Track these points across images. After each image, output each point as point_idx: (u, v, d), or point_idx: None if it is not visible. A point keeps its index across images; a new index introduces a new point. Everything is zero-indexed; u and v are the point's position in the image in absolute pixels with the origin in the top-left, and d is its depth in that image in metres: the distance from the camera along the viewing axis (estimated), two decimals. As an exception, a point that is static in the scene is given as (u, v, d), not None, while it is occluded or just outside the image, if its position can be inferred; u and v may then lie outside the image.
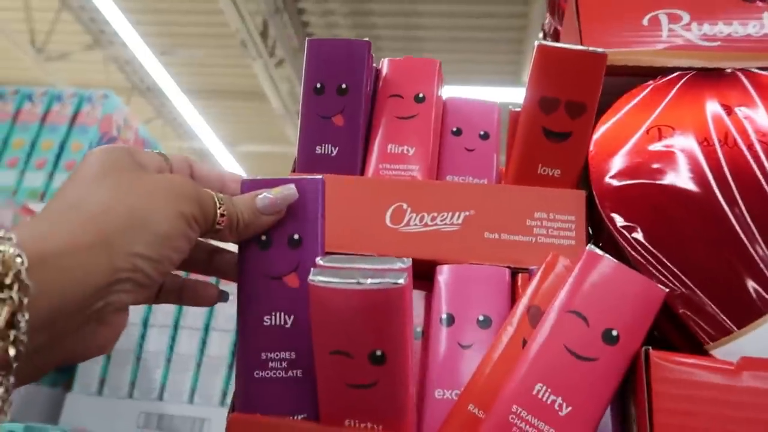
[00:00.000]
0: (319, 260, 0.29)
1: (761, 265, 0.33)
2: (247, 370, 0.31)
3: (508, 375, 0.30)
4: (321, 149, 0.41)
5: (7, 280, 0.21)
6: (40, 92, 1.10)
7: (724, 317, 0.31)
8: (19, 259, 0.21)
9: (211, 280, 0.35)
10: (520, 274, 0.36)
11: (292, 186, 0.31)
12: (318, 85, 0.41)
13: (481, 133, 0.45)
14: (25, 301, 0.21)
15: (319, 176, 0.32)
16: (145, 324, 0.92)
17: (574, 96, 0.37)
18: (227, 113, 3.85)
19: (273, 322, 0.31)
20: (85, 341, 0.26)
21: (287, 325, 0.31)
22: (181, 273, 0.34)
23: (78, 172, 0.27)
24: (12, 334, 0.21)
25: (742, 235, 0.34)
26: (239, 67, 3.30)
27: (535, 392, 0.29)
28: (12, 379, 0.22)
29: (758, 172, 0.36)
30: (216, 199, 0.29)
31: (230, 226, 0.30)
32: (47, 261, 0.23)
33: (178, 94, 3.42)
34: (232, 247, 0.33)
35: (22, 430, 0.49)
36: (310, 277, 0.27)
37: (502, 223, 0.37)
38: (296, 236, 0.31)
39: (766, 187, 0.35)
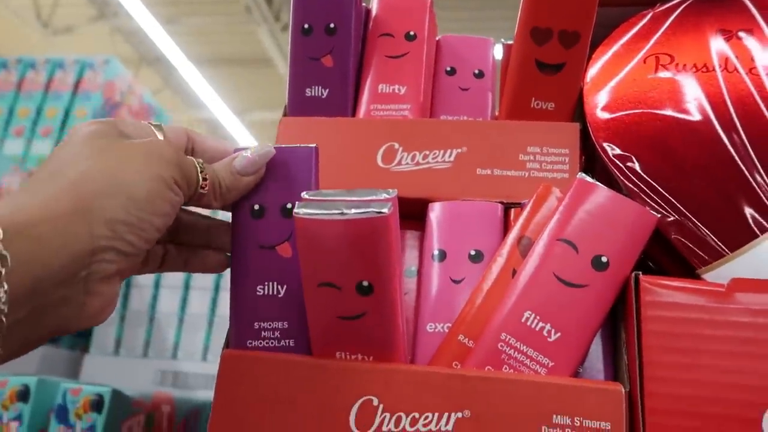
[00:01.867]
0: (304, 194, 0.29)
1: (759, 192, 0.32)
2: (240, 339, 0.31)
3: (498, 305, 0.30)
4: (311, 91, 0.40)
5: None
6: (42, 60, 1.10)
7: (719, 242, 0.31)
8: None
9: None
10: (513, 209, 0.35)
11: (269, 144, 0.31)
12: (306, 26, 0.40)
13: (476, 71, 0.44)
14: (3, 271, 0.21)
15: (312, 144, 0.32)
16: (157, 285, 0.94)
17: (568, 24, 0.36)
18: (235, 81, 3.83)
19: (266, 292, 0.31)
20: (74, 312, 0.25)
21: (280, 295, 0.31)
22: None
23: (61, 145, 0.27)
24: None
25: (740, 162, 0.33)
26: (245, 33, 3.27)
27: (523, 320, 0.29)
28: None
29: (758, 98, 0.34)
30: (197, 164, 0.29)
31: (213, 190, 0.29)
32: (23, 231, 0.22)
33: (185, 64, 3.40)
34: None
35: (35, 383, 0.50)
36: (295, 209, 0.27)
37: (494, 158, 0.37)
38: (289, 205, 0.31)
39: (765, 112, 0.34)
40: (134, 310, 0.93)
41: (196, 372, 0.87)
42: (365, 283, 0.27)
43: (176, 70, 3.51)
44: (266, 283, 0.31)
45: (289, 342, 0.31)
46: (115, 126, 0.28)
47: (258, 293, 0.31)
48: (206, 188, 0.29)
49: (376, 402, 0.29)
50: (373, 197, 0.27)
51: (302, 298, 0.30)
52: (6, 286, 0.21)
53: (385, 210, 0.26)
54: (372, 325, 0.29)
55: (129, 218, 0.25)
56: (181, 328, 0.91)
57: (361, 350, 0.29)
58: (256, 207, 0.31)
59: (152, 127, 0.30)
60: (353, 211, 0.26)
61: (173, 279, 0.93)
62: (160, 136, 0.30)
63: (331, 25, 0.40)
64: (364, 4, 0.43)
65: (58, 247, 0.23)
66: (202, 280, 0.92)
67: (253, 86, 3.95)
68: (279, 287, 0.31)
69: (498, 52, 0.44)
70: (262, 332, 0.31)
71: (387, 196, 0.27)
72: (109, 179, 0.25)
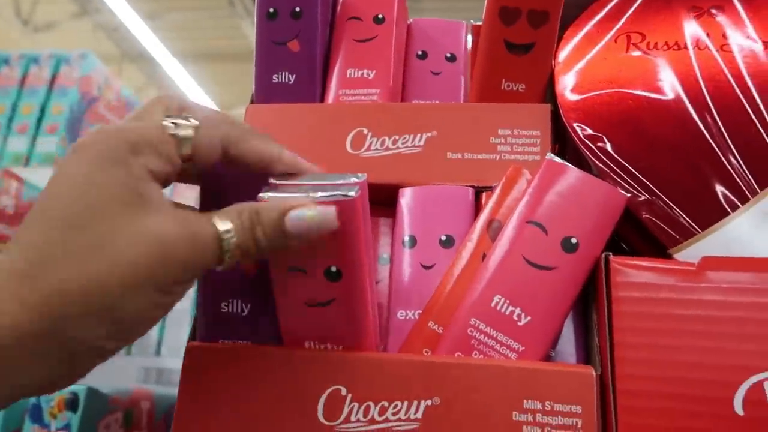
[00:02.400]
0: (271, 179, 0.28)
1: (730, 170, 0.32)
2: None
3: (467, 290, 0.30)
4: (278, 77, 0.39)
5: None
6: (17, 55, 1.08)
7: (690, 221, 0.30)
8: None
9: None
10: (484, 193, 0.35)
11: (333, 209, 0.25)
12: (271, 10, 0.39)
13: (448, 55, 0.43)
14: None
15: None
16: (139, 282, 0.92)
17: (536, 4, 0.35)
18: (220, 76, 3.79)
19: (230, 310, 0.30)
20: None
21: (244, 313, 0.30)
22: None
23: (45, 198, 0.22)
24: None
25: (711, 141, 0.32)
26: (229, 28, 3.24)
27: (493, 304, 0.29)
28: None
29: (729, 75, 0.34)
30: (221, 237, 0.24)
31: (242, 257, 0.25)
32: None
33: (169, 59, 3.36)
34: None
35: (84, 391, 0.49)
36: (261, 194, 0.26)
37: (465, 142, 0.36)
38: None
39: (737, 89, 0.33)
40: (116, 308, 0.92)
41: (180, 368, 0.86)
42: (333, 269, 0.27)
43: (160, 66, 3.47)
44: (230, 301, 0.30)
45: None
46: (126, 162, 0.23)
47: (223, 310, 0.30)
48: (234, 258, 0.24)
49: (344, 392, 0.28)
50: (342, 181, 0.26)
51: (267, 316, 0.30)
52: None
53: (352, 193, 0.25)
54: (341, 312, 0.28)
55: (114, 336, 0.22)
56: (164, 324, 0.90)
57: (330, 339, 0.29)
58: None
59: (173, 150, 0.24)
60: (320, 194, 0.25)
61: (155, 275, 0.92)
62: (179, 160, 0.25)
63: (297, 9, 0.39)
64: (332, -13, 0.42)
65: (27, 366, 0.21)
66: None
67: (238, 81, 3.91)
68: (243, 305, 0.30)
69: (470, 36, 0.44)
70: None
71: (356, 180, 0.26)
72: (88, 298, 0.21)
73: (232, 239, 0.24)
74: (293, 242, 0.25)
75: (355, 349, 0.29)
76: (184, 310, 0.90)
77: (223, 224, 0.24)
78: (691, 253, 0.29)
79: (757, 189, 0.31)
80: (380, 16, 0.41)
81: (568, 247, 0.29)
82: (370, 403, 0.28)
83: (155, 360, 0.88)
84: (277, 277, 0.28)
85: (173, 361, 0.88)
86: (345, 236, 0.26)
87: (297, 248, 0.26)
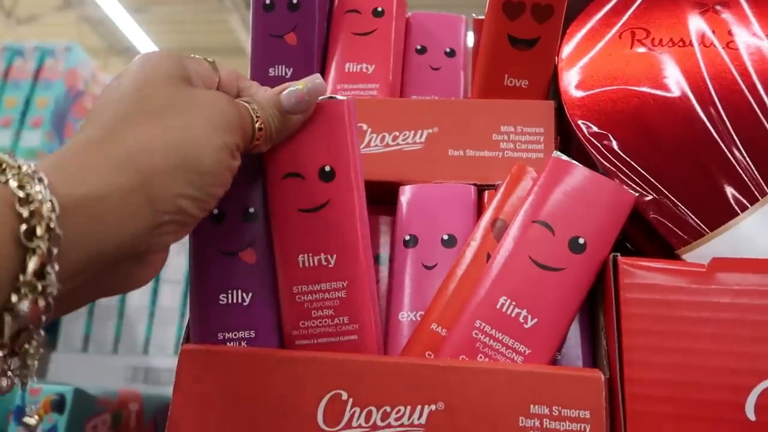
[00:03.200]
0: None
1: (738, 169, 0.31)
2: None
3: (472, 291, 0.29)
4: (274, 71, 0.38)
5: (39, 231, 0.18)
6: (0, 48, 1.05)
7: (698, 221, 0.30)
8: (49, 205, 0.19)
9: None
10: (486, 191, 0.34)
11: (318, 75, 0.29)
12: (268, 2, 0.38)
13: (447, 50, 0.42)
14: (55, 251, 0.19)
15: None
16: (126, 280, 0.91)
17: (540, -2, 0.35)
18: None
19: (230, 300, 0.30)
20: (121, 280, 0.24)
21: (245, 303, 0.29)
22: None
23: (119, 82, 0.24)
24: (41, 285, 0.19)
25: (719, 139, 0.32)
26: (216, 22, 3.20)
27: (499, 306, 0.28)
28: (42, 333, 0.20)
29: (735, 72, 0.33)
30: (252, 116, 0.26)
31: (266, 138, 0.27)
32: (80, 208, 0.20)
33: (155, 54, 3.32)
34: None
35: (71, 393, 0.48)
36: None
37: (466, 139, 0.35)
38: (251, 209, 0.30)
39: (743, 86, 0.33)
40: (103, 305, 0.90)
41: (168, 367, 0.85)
42: (327, 168, 0.29)
43: (146, 60, 3.42)
44: (230, 291, 0.29)
45: None
46: (180, 65, 0.25)
47: (221, 302, 0.29)
48: (260, 138, 0.27)
49: (345, 396, 0.27)
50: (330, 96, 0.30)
51: (270, 304, 0.29)
52: (57, 267, 0.19)
53: (339, 97, 0.29)
54: (333, 218, 0.28)
55: (195, 193, 0.23)
56: (152, 323, 0.89)
57: (323, 248, 0.28)
58: (216, 212, 0.30)
59: (210, 67, 0.27)
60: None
61: (143, 272, 0.90)
62: (216, 79, 0.27)
63: (294, 1, 0.38)
64: (329, -21, 0.41)
65: (118, 225, 0.21)
66: (173, 272, 0.90)
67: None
68: (244, 295, 0.29)
69: (470, 31, 0.43)
70: (228, 343, 0.29)
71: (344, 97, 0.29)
72: (174, 152, 0.23)
73: (258, 117, 0.26)
74: (296, 117, 0.28)
75: (347, 261, 0.28)
76: (172, 309, 0.88)
77: (248, 106, 0.27)
78: (699, 253, 0.29)
79: (765, 187, 0.30)
80: (379, 8, 0.40)
81: (575, 247, 0.28)
82: (372, 408, 0.27)
83: (143, 359, 0.86)
84: (273, 186, 0.29)
85: (161, 360, 0.86)
86: (335, 135, 0.29)
87: (299, 125, 0.29)
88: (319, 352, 0.28)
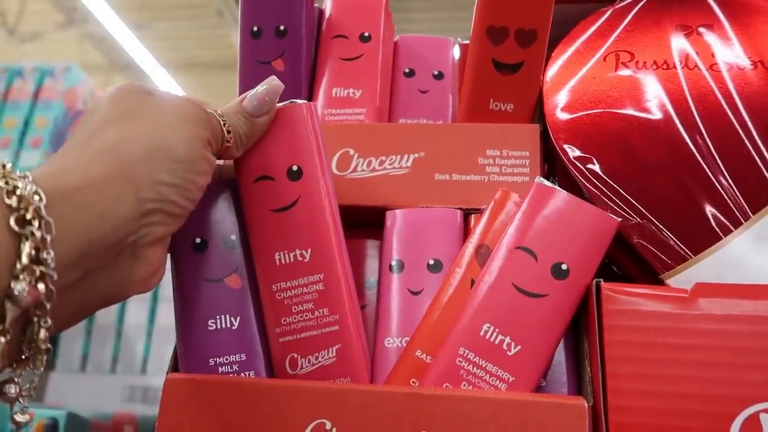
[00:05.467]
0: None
1: (722, 191, 0.31)
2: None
3: (456, 318, 0.29)
4: (262, 97, 0.38)
5: (28, 215, 0.20)
6: (1, 69, 1.06)
7: (682, 246, 0.30)
8: (36, 197, 0.20)
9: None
10: (472, 215, 0.34)
11: (273, 77, 0.31)
12: (255, 28, 0.38)
13: (435, 73, 0.42)
14: (48, 237, 0.20)
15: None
16: (124, 298, 0.91)
17: (524, 23, 0.35)
18: (208, 86, 3.77)
19: (219, 326, 0.30)
20: (122, 278, 0.25)
21: (234, 327, 0.30)
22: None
23: (89, 113, 0.26)
24: (38, 270, 0.20)
25: (702, 162, 0.32)
26: (217, 38, 3.23)
27: (482, 333, 0.28)
28: (49, 321, 0.21)
29: (719, 94, 0.34)
30: (219, 118, 0.28)
31: (236, 142, 0.29)
32: (66, 197, 0.22)
33: (157, 70, 3.34)
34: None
35: (64, 417, 0.48)
36: None
37: (453, 163, 0.35)
38: (233, 236, 0.31)
39: (726, 109, 0.33)
40: (101, 324, 0.90)
41: (166, 387, 0.84)
42: (295, 168, 0.30)
43: (148, 77, 3.45)
44: (218, 317, 0.30)
45: (249, 374, 0.30)
46: (140, 85, 0.28)
47: (210, 328, 0.30)
48: (231, 141, 0.28)
49: (329, 425, 0.27)
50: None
51: (258, 326, 0.30)
52: (52, 253, 0.20)
53: (299, 101, 0.31)
54: (303, 213, 0.29)
55: (174, 179, 0.25)
56: (150, 342, 0.89)
57: (298, 244, 0.29)
58: (198, 240, 0.30)
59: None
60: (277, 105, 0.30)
61: (141, 291, 0.90)
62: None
63: (282, 27, 0.38)
64: (316, 5, 0.41)
65: (105, 212, 0.22)
66: (171, 291, 0.90)
67: (226, 91, 3.90)
68: (232, 319, 0.30)
69: (457, 52, 0.43)
70: (219, 368, 0.30)
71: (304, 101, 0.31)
72: (148, 142, 0.25)
73: (225, 121, 0.28)
74: (261, 119, 0.30)
75: (322, 253, 0.29)
76: (170, 328, 0.88)
77: (215, 112, 0.29)
78: (683, 278, 0.29)
79: (748, 210, 0.30)
80: (366, 34, 0.40)
81: (558, 273, 0.28)
82: (357, 437, 0.27)
83: (141, 378, 0.86)
84: (246, 191, 0.30)
85: (159, 379, 0.86)
86: (299, 135, 0.30)
87: (266, 127, 0.30)
88: (303, 381, 0.28)
